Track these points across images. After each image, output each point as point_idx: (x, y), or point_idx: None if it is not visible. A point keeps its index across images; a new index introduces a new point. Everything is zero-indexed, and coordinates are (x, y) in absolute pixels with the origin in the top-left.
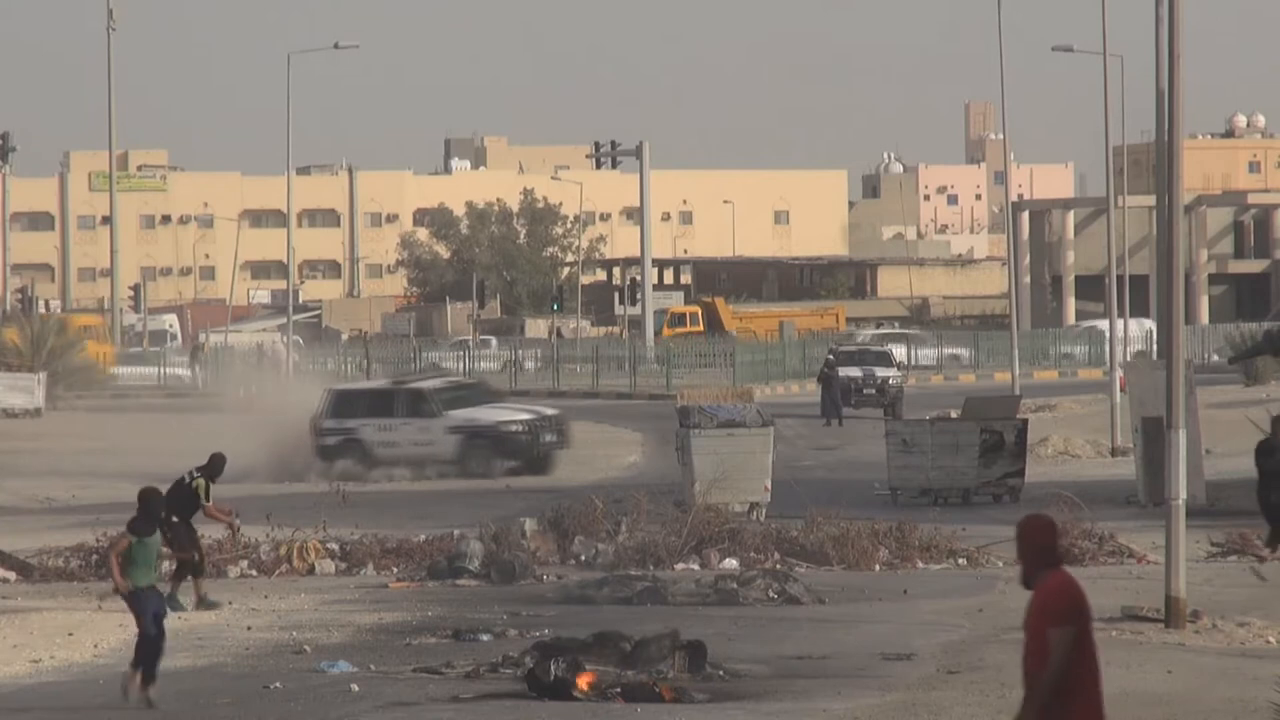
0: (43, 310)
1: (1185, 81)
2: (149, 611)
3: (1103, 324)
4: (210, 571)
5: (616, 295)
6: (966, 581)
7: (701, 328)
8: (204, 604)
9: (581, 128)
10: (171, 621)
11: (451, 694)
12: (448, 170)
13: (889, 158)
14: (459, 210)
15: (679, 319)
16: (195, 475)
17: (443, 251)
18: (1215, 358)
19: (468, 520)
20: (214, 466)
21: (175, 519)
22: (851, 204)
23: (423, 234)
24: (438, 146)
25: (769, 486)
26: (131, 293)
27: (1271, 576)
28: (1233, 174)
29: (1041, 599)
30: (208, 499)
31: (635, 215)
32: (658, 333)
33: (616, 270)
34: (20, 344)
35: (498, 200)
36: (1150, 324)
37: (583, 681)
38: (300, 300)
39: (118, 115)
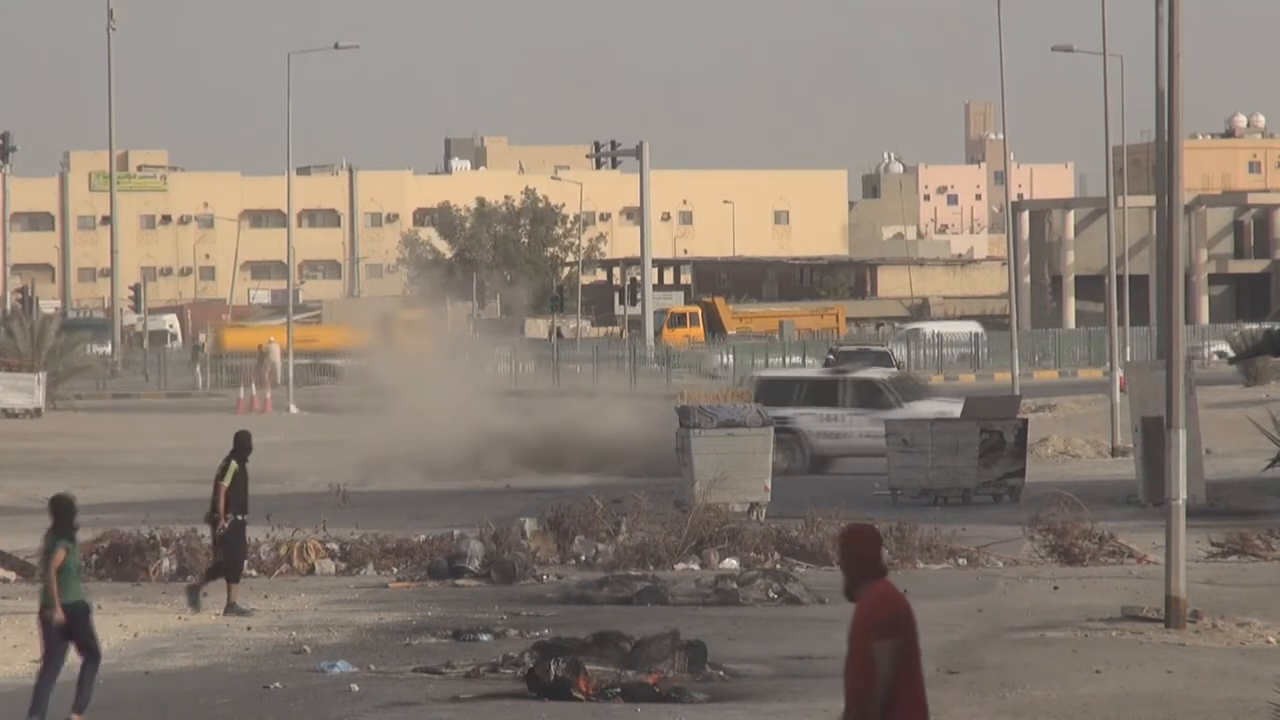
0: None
1: (1185, 81)
2: (82, 632)
3: (927, 327)
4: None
5: (616, 295)
6: (966, 581)
7: (701, 328)
8: (232, 610)
9: (581, 128)
10: (171, 621)
11: (451, 694)
12: (448, 170)
13: (889, 158)
14: (463, 209)
15: (679, 319)
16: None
17: (445, 250)
18: (1216, 358)
19: (468, 520)
20: (240, 446)
21: (242, 517)
22: (851, 204)
23: (424, 233)
24: (438, 146)
25: (769, 486)
26: (131, 293)
27: (1271, 577)
28: (1233, 174)
29: (864, 611)
30: (224, 478)
31: (635, 215)
32: (658, 333)
33: (616, 270)
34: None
35: (506, 198)
36: (976, 327)
37: (582, 686)
38: (300, 300)
39: (118, 115)
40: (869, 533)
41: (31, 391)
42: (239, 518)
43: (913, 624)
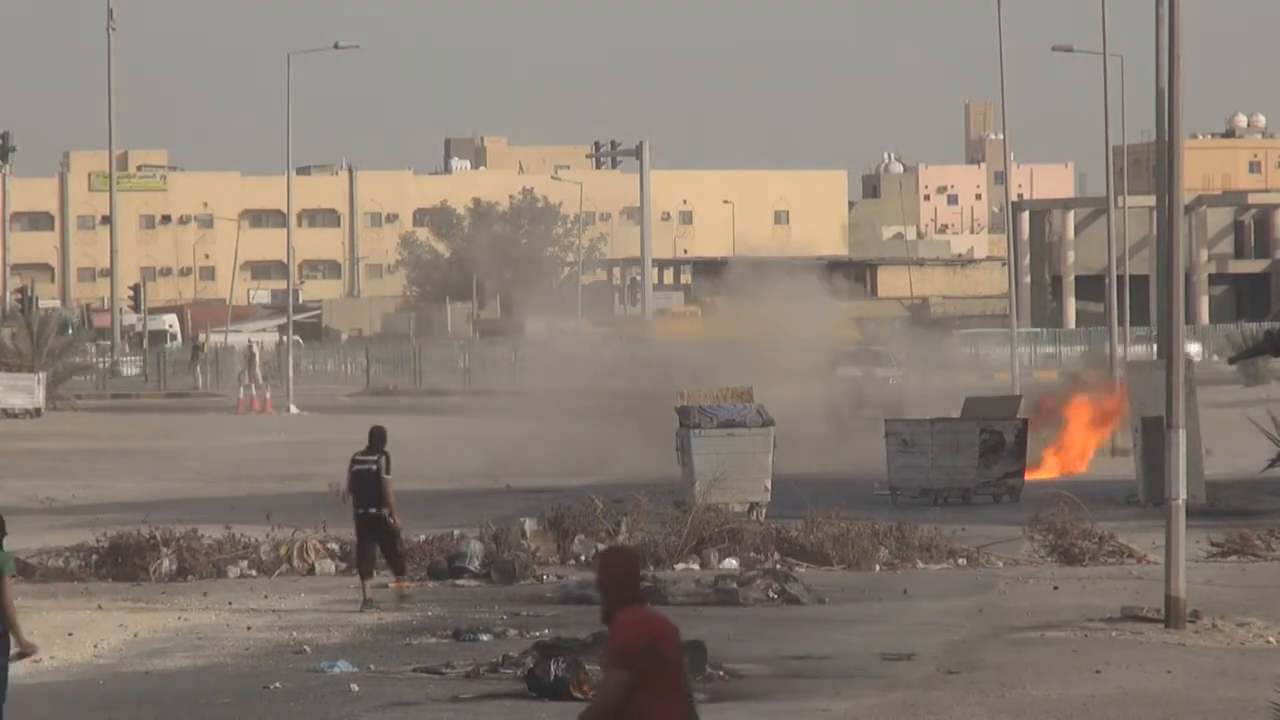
0: None
1: (1185, 81)
2: None
3: None
4: (210, 571)
5: (616, 295)
6: (966, 581)
7: (702, 329)
8: (403, 598)
9: (581, 128)
10: (171, 621)
11: (451, 694)
12: (448, 170)
13: (889, 158)
14: (461, 209)
15: (679, 320)
16: (367, 457)
17: (443, 251)
18: (1215, 358)
19: (468, 520)
20: (379, 441)
21: (374, 510)
22: (851, 204)
23: (423, 233)
24: (438, 146)
25: (769, 486)
26: (131, 293)
27: (1271, 577)
28: (1233, 174)
29: (610, 636)
30: (389, 471)
31: (635, 215)
32: None
33: (617, 270)
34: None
35: (510, 197)
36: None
37: (582, 686)
38: (300, 300)
39: (118, 115)
40: (626, 555)
41: (31, 391)
42: (372, 510)
43: (658, 655)
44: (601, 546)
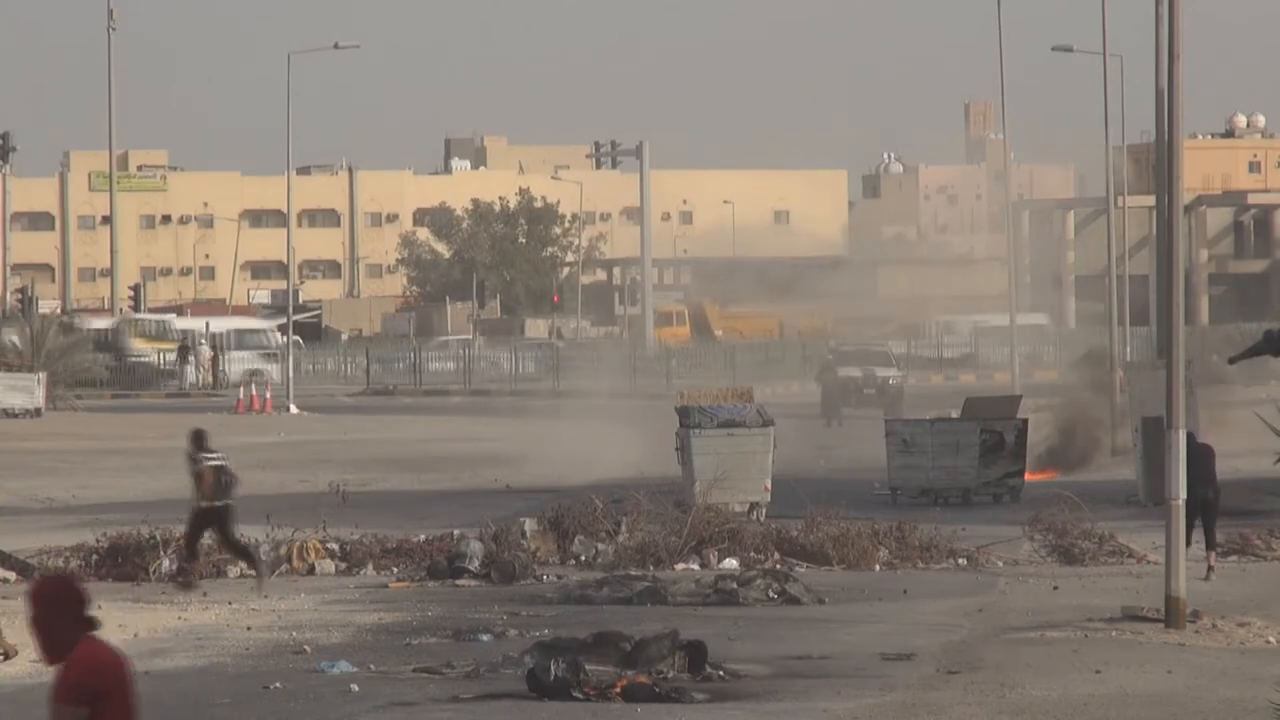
0: None
1: (1185, 81)
2: None
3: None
4: (210, 571)
5: (616, 295)
6: (966, 581)
7: (689, 328)
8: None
9: (581, 128)
10: (171, 621)
11: (451, 694)
12: (448, 170)
13: (889, 158)
14: (460, 210)
15: (665, 319)
16: (212, 454)
17: (443, 251)
18: (1214, 357)
19: (468, 520)
20: (207, 439)
21: (229, 502)
22: (851, 204)
23: (423, 233)
24: (438, 146)
25: (769, 486)
26: (131, 293)
27: (1271, 577)
28: (1233, 174)
29: (59, 673)
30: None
31: (635, 215)
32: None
33: (617, 270)
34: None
35: (500, 199)
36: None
37: (582, 686)
38: (300, 300)
39: (118, 115)
40: (60, 588)
41: (31, 391)
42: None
43: (118, 689)
44: (601, 546)
